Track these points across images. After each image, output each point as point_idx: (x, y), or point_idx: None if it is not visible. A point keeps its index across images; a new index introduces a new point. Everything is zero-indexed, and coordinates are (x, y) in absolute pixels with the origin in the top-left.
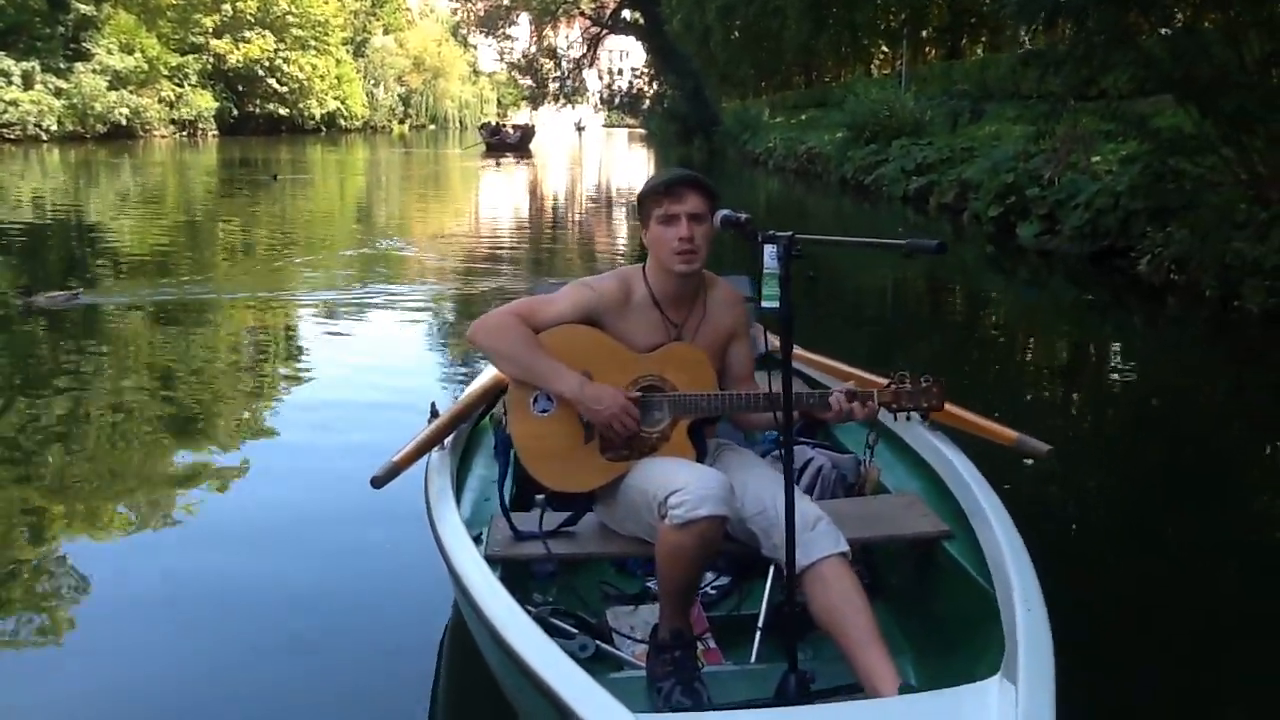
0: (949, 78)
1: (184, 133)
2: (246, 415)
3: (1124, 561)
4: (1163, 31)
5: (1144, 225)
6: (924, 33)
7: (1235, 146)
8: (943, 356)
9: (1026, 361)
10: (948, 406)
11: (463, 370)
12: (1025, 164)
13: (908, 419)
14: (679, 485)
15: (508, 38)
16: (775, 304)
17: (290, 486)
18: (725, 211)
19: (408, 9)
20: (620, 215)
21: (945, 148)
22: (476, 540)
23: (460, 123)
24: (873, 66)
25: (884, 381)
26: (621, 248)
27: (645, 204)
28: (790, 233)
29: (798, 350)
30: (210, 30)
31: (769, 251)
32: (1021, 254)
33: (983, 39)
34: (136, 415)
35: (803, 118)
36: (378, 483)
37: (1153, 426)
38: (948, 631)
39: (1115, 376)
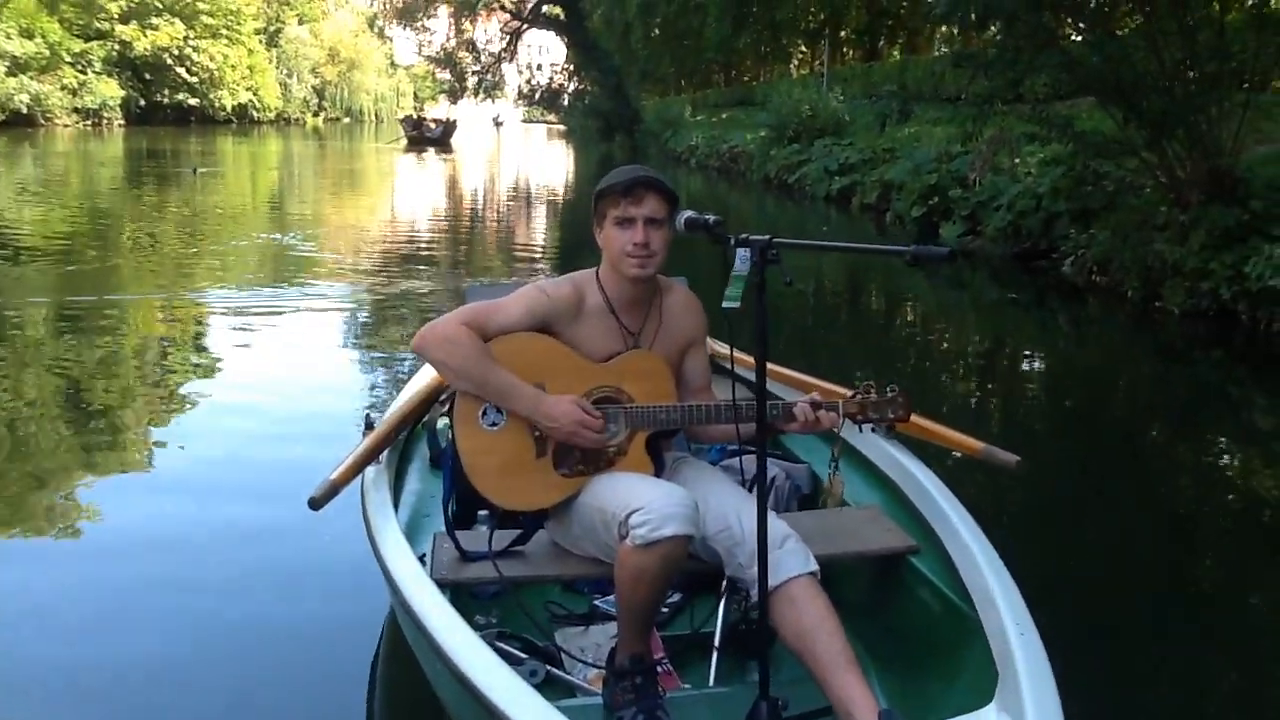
0: (869, 79)
1: (88, 122)
2: (165, 429)
3: (1071, 563)
4: (1075, 39)
5: (1066, 227)
6: (842, 34)
7: (1156, 150)
8: (867, 357)
9: (952, 360)
10: (913, 418)
11: (392, 377)
12: (947, 165)
13: (873, 430)
14: (641, 503)
15: (426, 30)
16: (735, 305)
17: (206, 501)
18: (689, 213)
19: None
20: (541, 212)
21: (867, 148)
22: (420, 560)
23: (376, 116)
24: (792, 66)
25: (847, 392)
26: (539, 241)
27: (601, 204)
28: (767, 236)
29: (750, 359)
30: (116, 16)
31: (741, 256)
32: None
33: (900, 41)
34: (38, 428)
35: (724, 116)
36: (316, 504)
37: (1079, 425)
38: (916, 651)
39: (1041, 375)
